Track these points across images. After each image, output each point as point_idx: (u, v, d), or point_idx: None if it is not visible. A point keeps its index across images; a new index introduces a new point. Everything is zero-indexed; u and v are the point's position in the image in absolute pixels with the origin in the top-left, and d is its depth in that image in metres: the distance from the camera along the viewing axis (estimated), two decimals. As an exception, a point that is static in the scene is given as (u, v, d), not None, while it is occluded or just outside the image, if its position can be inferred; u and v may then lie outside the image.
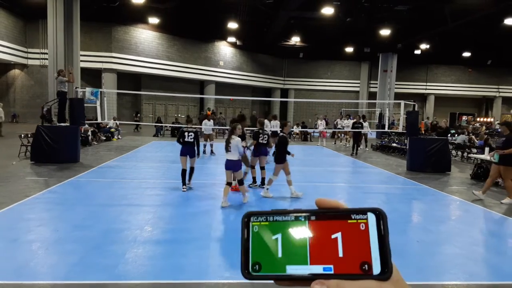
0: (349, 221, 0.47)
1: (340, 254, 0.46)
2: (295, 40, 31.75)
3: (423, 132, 19.48)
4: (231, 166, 6.66)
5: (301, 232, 0.48)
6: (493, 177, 8.00)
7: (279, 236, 0.48)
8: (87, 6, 20.91)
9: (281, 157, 7.39)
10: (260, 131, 8.56)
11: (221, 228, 5.63)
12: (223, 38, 32.44)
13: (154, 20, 26.82)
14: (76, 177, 9.04)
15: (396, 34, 26.65)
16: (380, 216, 0.47)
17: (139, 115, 27.76)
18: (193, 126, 8.44)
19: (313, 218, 0.48)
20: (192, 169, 8.15)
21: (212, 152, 14.31)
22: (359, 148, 16.57)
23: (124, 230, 5.35)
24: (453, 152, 15.38)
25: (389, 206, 6.93)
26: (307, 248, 0.47)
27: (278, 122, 14.12)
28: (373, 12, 22.71)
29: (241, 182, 6.87)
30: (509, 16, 21.55)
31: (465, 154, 15.25)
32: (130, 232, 5.28)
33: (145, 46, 29.28)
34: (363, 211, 0.47)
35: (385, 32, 25.54)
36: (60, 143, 11.03)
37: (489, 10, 20.20)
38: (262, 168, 8.51)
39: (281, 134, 7.55)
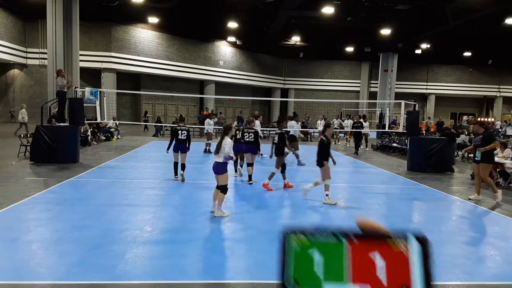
0: (390, 244, 0.47)
1: (380, 276, 0.45)
2: (295, 39, 31.75)
3: (424, 132, 19.44)
4: (214, 168, 6.14)
5: (341, 252, 0.48)
6: (478, 175, 8.09)
7: (318, 254, 0.48)
8: (86, 6, 20.87)
9: (322, 160, 7.13)
10: (245, 129, 9.13)
11: (220, 228, 5.61)
12: (223, 37, 32.42)
13: (153, 20, 26.81)
14: (75, 177, 9.03)
15: (397, 33, 26.63)
16: (423, 242, 0.47)
17: (148, 115, 27.31)
18: (186, 124, 9.28)
19: (354, 239, 0.48)
20: (183, 165, 8.93)
21: (209, 150, 14.41)
22: (359, 148, 16.58)
23: (124, 230, 5.34)
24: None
25: (389, 206, 6.91)
26: (346, 268, 0.47)
27: (295, 123, 14.05)
28: (373, 11, 22.69)
29: (223, 189, 6.07)
30: (510, 15, 21.52)
31: (466, 154, 15.21)
32: (130, 232, 5.26)
33: (145, 45, 29.26)
34: (406, 236, 0.48)
35: (385, 31, 25.53)
36: (60, 143, 11.01)
37: (490, 9, 20.18)
38: (250, 164, 9.01)
39: (323, 136, 7.28)
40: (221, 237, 5.29)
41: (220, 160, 6.05)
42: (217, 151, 6.12)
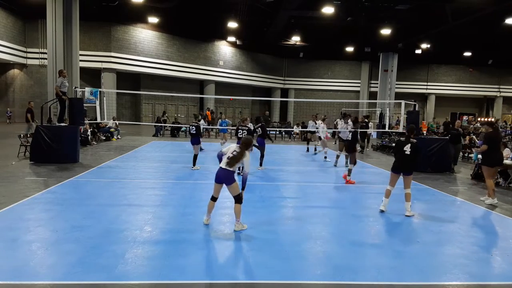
0: None
1: None
2: (295, 39, 31.72)
3: (424, 132, 19.42)
4: (221, 178, 5.43)
5: None
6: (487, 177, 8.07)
7: None
8: (86, 6, 20.88)
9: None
10: (240, 127, 10.43)
11: (220, 228, 5.61)
12: (223, 37, 32.42)
13: (153, 20, 26.80)
14: (75, 177, 9.03)
15: (397, 33, 26.62)
16: None
17: (166, 115, 25.49)
18: (197, 121, 11.39)
19: None
20: (195, 156, 10.63)
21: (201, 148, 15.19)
22: (362, 148, 16.75)
23: (124, 230, 5.34)
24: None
25: (389, 206, 6.90)
26: None
27: (323, 124, 14.10)
28: (373, 11, 22.67)
29: (239, 200, 5.47)
30: (510, 15, 21.50)
31: (466, 154, 15.24)
32: (130, 232, 5.27)
33: (145, 45, 29.25)
34: None
35: (385, 31, 25.51)
36: (60, 143, 11.00)
37: (490, 9, 20.17)
38: None
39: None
40: (221, 237, 5.28)
41: (230, 168, 5.38)
42: (233, 164, 5.36)
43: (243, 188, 5.51)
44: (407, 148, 6.56)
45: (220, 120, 16.96)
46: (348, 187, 9.37)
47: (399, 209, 6.97)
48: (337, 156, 12.64)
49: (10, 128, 22.33)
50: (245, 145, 5.52)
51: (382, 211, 6.76)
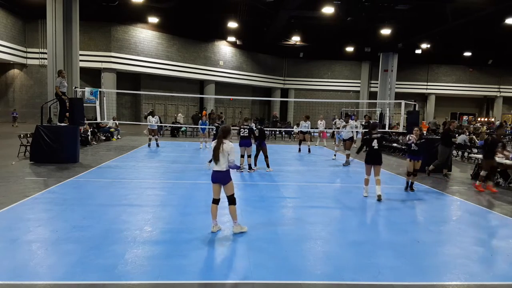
0: None
1: None
2: (295, 39, 31.73)
3: (424, 133, 19.39)
4: (217, 179, 5.26)
5: None
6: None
7: None
8: (86, 6, 20.88)
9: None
10: (242, 126, 10.64)
11: (220, 229, 5.60)
12: (223, 37, 32.43)
13: (153, 20, 26.81)
14: (75, 177, 9.03)
15: (397, 33, 26.63)
16: None
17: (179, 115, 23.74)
18: (216, 123, 12.35)
19: None
20: None
21: (157, 145, 16.27)
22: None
23: (124, 230, 5.34)
24: (454, 152, 15.34)
25: (389, 206, 6.90)
26: None
27: (354, 123, 13.93)
28: (373, 11, 22.67)
29: (233, 201, 5.33)
30: (510, 15, 21.50)
31: (466, 154, 15.23)
32: (130, 232, 5.27)
33: (145, 45, 29.26)
34: None
35: (385, 31, 25.51)
36: (60, 143, 11.01)
37: (490, 9, 20.17)
38: (248, 156, 10.63)
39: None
40: (221, 237, 5.28)
41: (223, 168, 5.19)
42: (216, 159, 5.16)
43: (237, 167, 5.60)
44: (375, 144, 7.76)
45: (200, 120, 17.11)
46: (347, 187, 9.37)
47: (400, 209, 6.97)
48: (348, 155, 12.81)
49: (13, 127, 22.30)
50: (222, 132, 5.28)
51: (365, 197, 7.79)
